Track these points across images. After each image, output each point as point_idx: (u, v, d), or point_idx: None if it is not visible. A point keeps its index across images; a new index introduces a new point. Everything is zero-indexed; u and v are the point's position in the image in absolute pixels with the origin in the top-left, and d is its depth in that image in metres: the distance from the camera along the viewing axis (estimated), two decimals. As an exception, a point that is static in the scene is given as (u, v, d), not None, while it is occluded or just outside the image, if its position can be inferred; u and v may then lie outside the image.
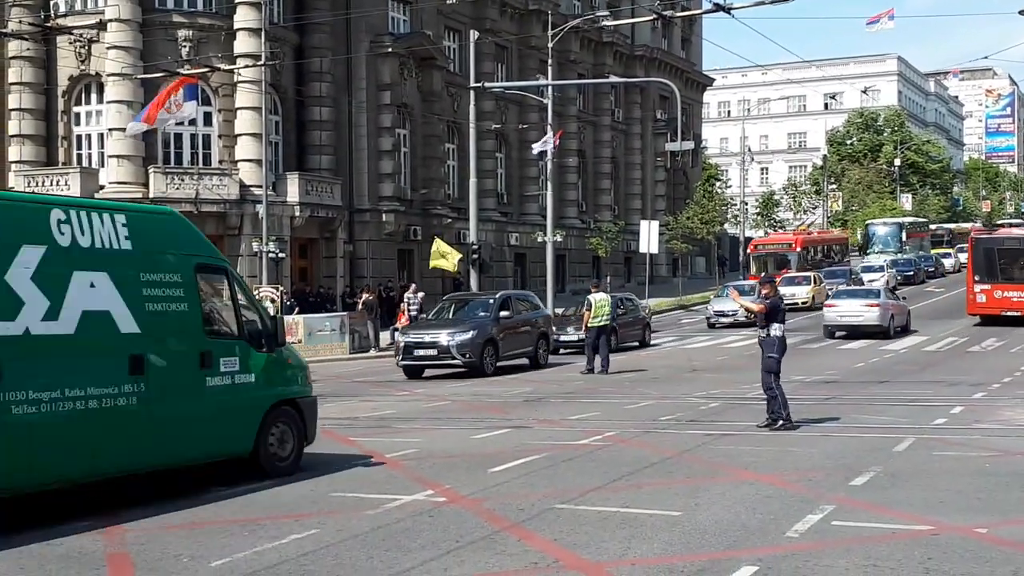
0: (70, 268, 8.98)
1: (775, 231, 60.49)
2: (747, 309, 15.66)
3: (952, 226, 78.00)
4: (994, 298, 32.70)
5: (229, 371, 10.37)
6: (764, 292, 14.38)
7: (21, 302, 8.55)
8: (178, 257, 10.05)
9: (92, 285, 9.13)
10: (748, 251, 51.33)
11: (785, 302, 34.46)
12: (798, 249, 49.17)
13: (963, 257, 64.79)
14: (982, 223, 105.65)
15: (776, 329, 13.89)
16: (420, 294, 32.43)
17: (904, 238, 60.86)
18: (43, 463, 8.73)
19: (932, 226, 74.57)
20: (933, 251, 65.36)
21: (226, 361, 10.34)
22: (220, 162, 37.42)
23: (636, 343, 31.40)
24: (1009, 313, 31.25)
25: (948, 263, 61.96)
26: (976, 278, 33.43)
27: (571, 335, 28.97)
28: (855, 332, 31.25)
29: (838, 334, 31.61)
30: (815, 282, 43.45)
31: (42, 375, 8.64)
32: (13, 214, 8.83)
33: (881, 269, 49.81)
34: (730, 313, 35.57)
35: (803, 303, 41.72)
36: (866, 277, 47.36)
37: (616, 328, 27.83)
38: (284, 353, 11.34)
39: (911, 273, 54.55)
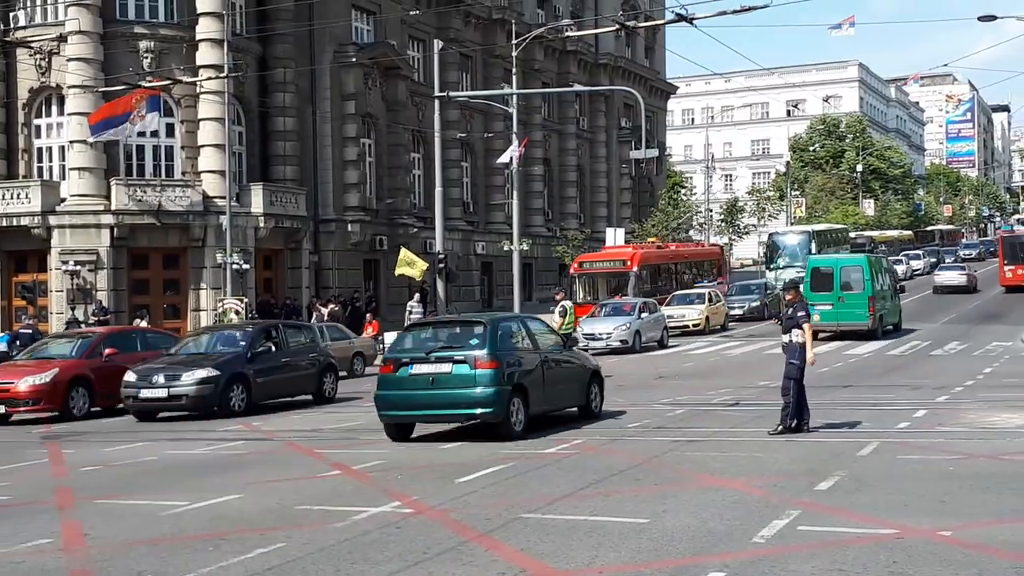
0: None
1: (611, 245, 47.06)
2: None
3: (875, 234, 71.74)
4: (1017, 275, 47.09)
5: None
6: (788, 298, 14.45)
7: None
8: None
9: None
10: (571, 271, 41.54)
11: (671, 324, 32.29)
12: (635, 268, 39.35)
13: (917, 264, 65.08)
14: (950, 224, 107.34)
15: (797, 335, 13.87)
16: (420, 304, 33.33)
17: (814, 249, 51.83)
18: None
19: (852, 234, 68.09)
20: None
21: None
22: (183, 173, 37.16)
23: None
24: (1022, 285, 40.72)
25: (900, 269, 57.20)
26: (1006, 262, 48.73)
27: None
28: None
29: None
30: (711, 300, 38.40)
31: None
32: None
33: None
34: (602, 336, 30.89)
35: (694, 326, 36.77)
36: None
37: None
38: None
39: None
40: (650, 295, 38.06)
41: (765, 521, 8.55)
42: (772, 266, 54.00)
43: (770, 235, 58.34)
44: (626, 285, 38.52)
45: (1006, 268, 48.38)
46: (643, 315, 32.57)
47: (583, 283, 40.45)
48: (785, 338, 14.12)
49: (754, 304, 41.87)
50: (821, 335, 29.83)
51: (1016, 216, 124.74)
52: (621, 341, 31.00)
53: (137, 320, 32.25)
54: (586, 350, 27.78)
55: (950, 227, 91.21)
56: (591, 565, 7.51)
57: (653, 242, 46.46)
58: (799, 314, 13.95)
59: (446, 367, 14.10)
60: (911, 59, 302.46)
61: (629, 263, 39.49)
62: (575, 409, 16.26)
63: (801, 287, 14.97)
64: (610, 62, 63.90)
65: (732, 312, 40.60)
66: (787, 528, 8.34)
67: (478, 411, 14.09)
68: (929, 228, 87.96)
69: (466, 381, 13.93)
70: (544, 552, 7.87)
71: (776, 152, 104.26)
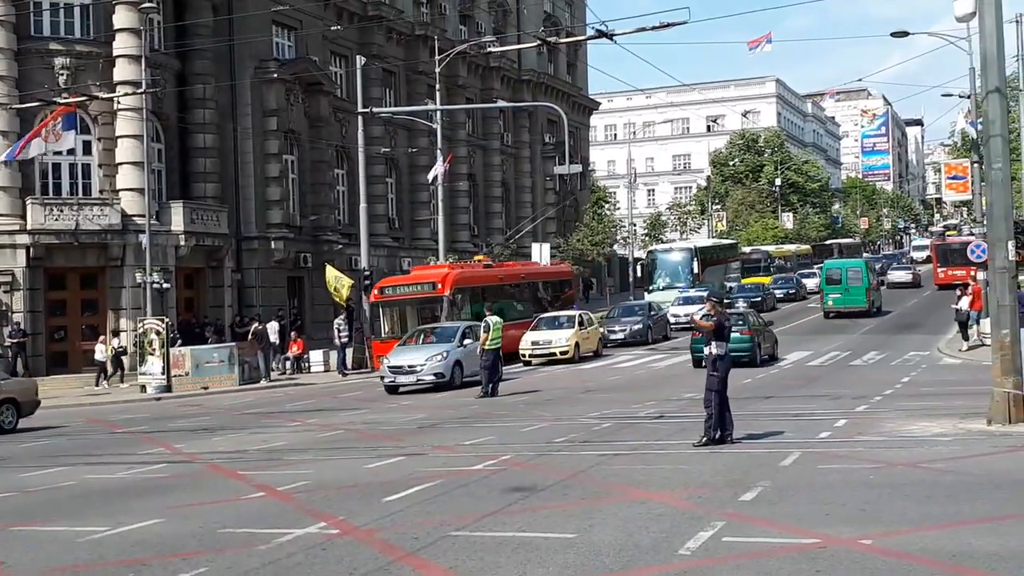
0: None
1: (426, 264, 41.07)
2: (702, 328, 15.57)
3: (771, 248, 69.40)
4: (948, 275, 51.87)
5: None
6: (706, 311, 14.60)
7: None
8: None
9: None
10: (371, 299, 34.25)
11: (535, 351, 31.12)
12: (447, 292, 32.53)
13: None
14: (860, 238, 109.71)
15: (718, 347, 14.02)
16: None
17: (696, 268, 50.35)
18: None
19: (747, 248, 67.56)
20: (756, 278, 56.84)
21: None
22: (101, 192, 36.48)
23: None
24: (955, 282, 42.57)
25: (812, 283, 57.67)
26: (939, 265, 55.49)
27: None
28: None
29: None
30: (581, 324, 34.31)
31: None
32: None
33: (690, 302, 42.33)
34: (412, 369, 26.62)
35: (562, 353, 32.69)
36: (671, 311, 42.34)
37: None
38: None
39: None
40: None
41: (691, 533, 8.62)
42: (651, 287, 50.25)
43: (648, 252, 54.69)
44: (439, 313, 32.43)
45: (939, 270, 55.41)
46: (467, 342, 27.22)
47: (387, 314, 33.69)
48: (706, 350, 14.28)
49: (636, 327, 38.46)
50: (831, 314, 44.20)
51: (942, 224, 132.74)
52: (435, 374, 26.46)
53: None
54: (393, 386, 26.36)
55: (849, 241, 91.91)
56: (519, 582, 7.50)
57: (480, 261, 39.26)
58: (726, 324, 14.16)
59: None
60: (826, 75, 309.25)
61: (440, 286, 32.63)
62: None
63: (721, 300, 15.12)
64: (533, 78, 64.28)
65: (613, 336, 37.87)
66: (712, 540, 8.41)
67: None
68: (828, 242, 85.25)
69: None
70: (472, 570, 7.84)
71: (697, 167, 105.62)
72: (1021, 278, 21.74)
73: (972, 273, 33.13)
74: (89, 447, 18.57)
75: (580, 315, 35.16)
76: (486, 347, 24.29)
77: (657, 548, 8.24)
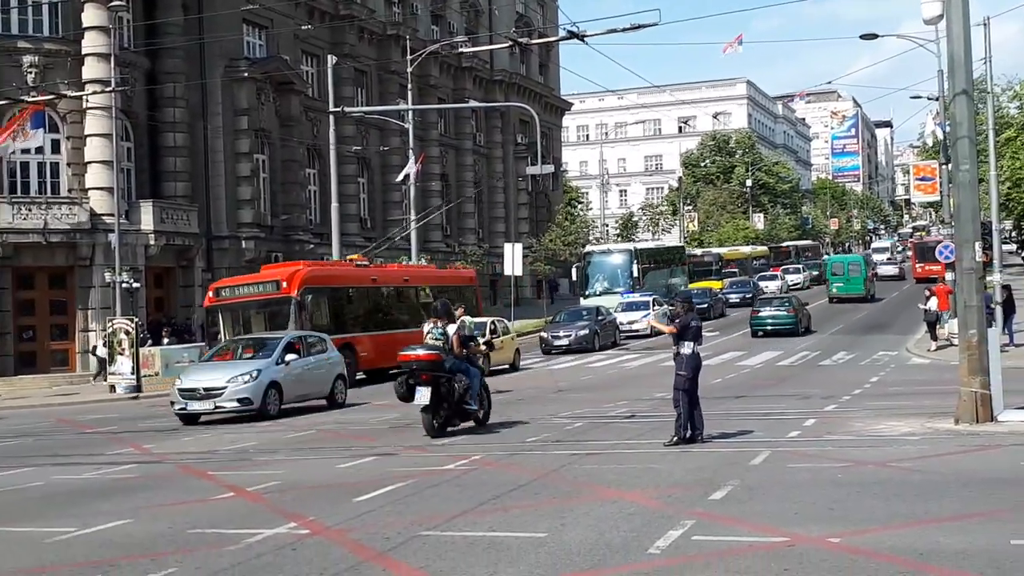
0: None
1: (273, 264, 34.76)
2: (660, 331, 15.88)
3: (724, 250, 68.49)
4: (926, 269, 55.69)
5: None
6: (677, 311, 14.84)
7: None
8: None
9: None
10: (205, 302, 29.74)
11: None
12: (295, 293, 27.36)
13: (795, 278, 65.81)
14: (831, 239, 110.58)
15: (685, 347, 14.08)
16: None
17: (636, 271, 47.53)
18: None
19: (698, 251, 66.76)
20: (706, 282, 55.37)
21: None
22: (69, 191, 36.22)
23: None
24: (930, 276, 49.56)
25: (773, 286, 58.89)
26: (918, 261, 60.42)
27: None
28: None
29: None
30: (492, 332, 29.37)
31: None
32: None
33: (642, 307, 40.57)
34: (210, 393, 21.08)
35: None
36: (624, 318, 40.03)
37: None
38: None
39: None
40: (339, 332, 27.75)
41: (661, 532, 8.64)
42: (588, 291, 47.22)
43: (585, 254, 50.86)
44: (286, 318, 27.38)
45: (918, 265, 60.69)
46: (289, 357, 21.54)
47: (227, 321, 28.22)
48: (674, 350, 14.35)
49: (583, 333, 36.34)
50: (835, 300, 53.30)
51: (911, 225, 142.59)
52: (240, 400, 20.61)
53: None
54: (187, 415, 20.78)
55: (807, 243, 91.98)
56: (490, 581, 7.50)
57: (353, 260, 33.43)
58: (692, 324, 14.20)
59: None
60: (796, 76, 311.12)
61: (287, 286, 27.61)
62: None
63: (690, 302, 15.22)
64: (505, 79, 64.33)
65: (557, 343, 36.09)
66: (682, 538, 8.44)
67: None
68: (785, 244, 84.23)
69: None
70: (442, 570, 7.84)
71: (669, 168, 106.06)
72: (988, 279, 21.98)
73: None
74: (57, 447, 18.42)
75: (492, 323, 31.12)
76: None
77: (627, 547, 8.26)
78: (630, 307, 41.35)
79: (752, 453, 12.85)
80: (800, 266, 71.83)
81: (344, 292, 30.87)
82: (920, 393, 19.31)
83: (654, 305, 40.37)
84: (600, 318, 38.10)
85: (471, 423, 16.83)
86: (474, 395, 16.38)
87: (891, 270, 70.02)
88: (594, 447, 14.36)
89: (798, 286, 64.28)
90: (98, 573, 8.26)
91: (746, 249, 71.47)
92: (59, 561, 8.81)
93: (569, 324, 37.38)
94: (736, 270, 64.84)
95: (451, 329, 16.49)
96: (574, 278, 50.32)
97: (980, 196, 18.38)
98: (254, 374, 20.80)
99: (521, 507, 10.17)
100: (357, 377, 28.35)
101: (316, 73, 47.69)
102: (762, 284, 59.43)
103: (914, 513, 9.21)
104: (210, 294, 29.16)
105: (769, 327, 38.78)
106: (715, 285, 54.99)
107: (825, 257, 75.65)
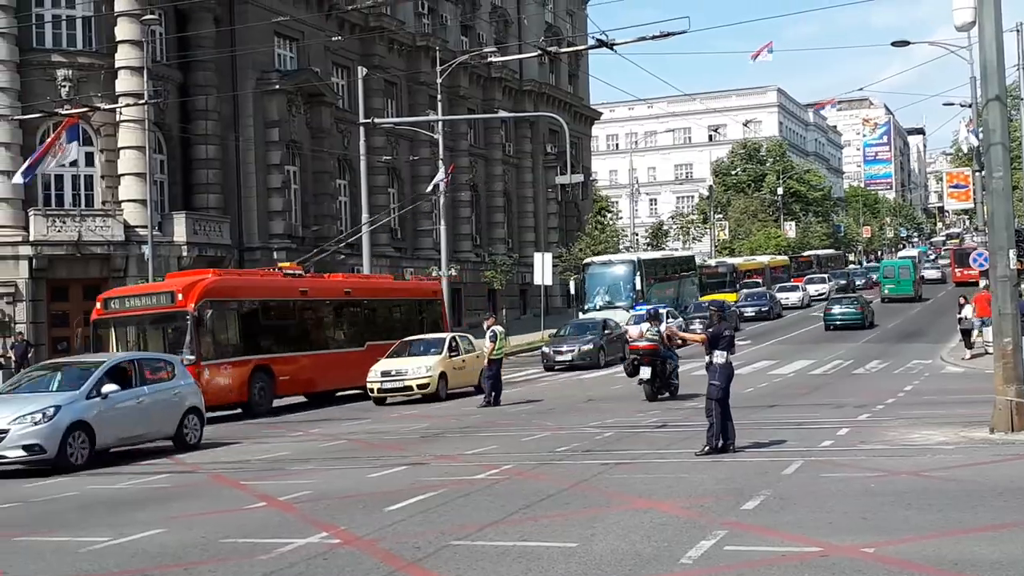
0: None
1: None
2: (690, 341, 16.06)
3: (738, 260, 65.51)
4: (964, 274, 58.32)
5: None
6: (712, 319, 15.14)
7: None
8: None
9: None
10: (93, 315, 24.85)
11: (386, 385, 24.10)
12: (192, 307, 23.56)
13: (814, 289, 62.09)
14: (863, 248, 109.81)
15: (718, 356, 14.02)
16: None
17: (639, 284, 44.47)
18: None
19: (712, 262, 63.61)
20: (719, 295, 48.79)
21: None
22: (103, 203, 36.57)
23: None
24: (968, 280, 53.66)
25: (794, 298, 57.62)
26: (956, 266, 63.83)
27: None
28: None
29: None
30: (452, 349, 27.18)
31: None
32: None
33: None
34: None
35: (420, 387, 25.97)
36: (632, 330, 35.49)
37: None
38: None
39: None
40: (251, 352, 25.21)
41: (692, 542, 8.61)
42: (587, 305, 44.07)
43: (583, 265, 47.45)
44: (182, 336, 23.81)
45: (956, 270, 63.88)
46: (108, 388, 16.63)
47: (118, 336, 24.32)
48: (707, 359, 14.29)
49: (587, 348, 34.20)
50: (887, 300, 57.41)
51: (944, 233, 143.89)
52: (26, 447, 15.56)
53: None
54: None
55: (829, 252, 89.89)
56: (520, 591, 7.49)
57: (284, 268, 29.90)
58: (724, 332, 14.14)
59: None
60: (827, 84, 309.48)
61: (182, 298, 23.75)
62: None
63: (722, 310, 15.17)
64: (534, 88, 64.39)
65: (560, 358, 34.01)
66: (714, 548, 8.40)
67: None
68: (807, 253, 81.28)
69: None
70: (473, 579, 7.84)
71: (699, 176, 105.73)
72: (1023, 287, 21.76)
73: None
74: (91, 458, 18.52)
75: (453, 338, 27.80)
76: (492, 357, 24.53)
77: (659, 557, 8.23)
78: (641, 320, 39.60)
79: (785, 463, 12.77)
80: (826, 275, 68.27)
81: (261, 306, 26.62)
82: (954, 402, 19.14)
83: (668, 318, 36.26)
84: (607, 332, 35.50)
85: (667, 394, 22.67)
86: (675, 374, 23.12)
87: (935, 274, 75.62)
88: (624, 456, 14.32)
89: (822, 296, 60.26)
90: (132, 582, 8.31)
91: (763, 259, 68.55)
92: (93, 571, 8.88)
93: (573, 338, 35.21)
94: (759, 280, 61.90)
95: (662, 327, 23.29)
96: (572, 291, 47.30)
97: (1014, 203, 18.21)
98: (48, 412, 15.72)
99: (552, 517, 10.15)
100: (274, 404, 25.74)
101: (346, 85, 47.94)
102: (781, 296, 56.54)
103: (948, 523, 9.12)
104: (98, 305, 24.80)
105: (839, 322, 43.86)
106: (729, 297, 49.74)
107: (877, 262, 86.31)
